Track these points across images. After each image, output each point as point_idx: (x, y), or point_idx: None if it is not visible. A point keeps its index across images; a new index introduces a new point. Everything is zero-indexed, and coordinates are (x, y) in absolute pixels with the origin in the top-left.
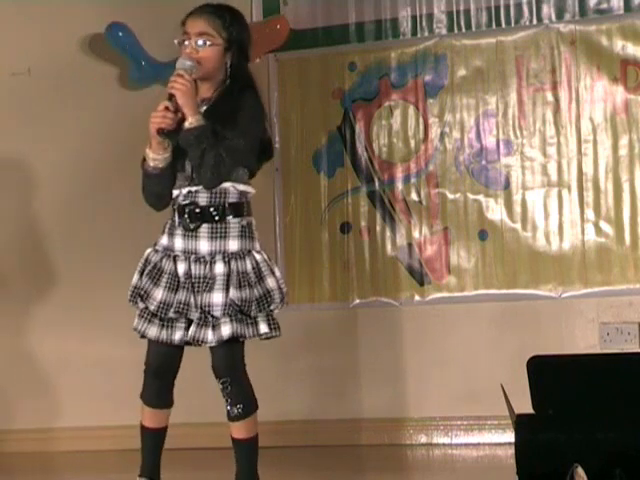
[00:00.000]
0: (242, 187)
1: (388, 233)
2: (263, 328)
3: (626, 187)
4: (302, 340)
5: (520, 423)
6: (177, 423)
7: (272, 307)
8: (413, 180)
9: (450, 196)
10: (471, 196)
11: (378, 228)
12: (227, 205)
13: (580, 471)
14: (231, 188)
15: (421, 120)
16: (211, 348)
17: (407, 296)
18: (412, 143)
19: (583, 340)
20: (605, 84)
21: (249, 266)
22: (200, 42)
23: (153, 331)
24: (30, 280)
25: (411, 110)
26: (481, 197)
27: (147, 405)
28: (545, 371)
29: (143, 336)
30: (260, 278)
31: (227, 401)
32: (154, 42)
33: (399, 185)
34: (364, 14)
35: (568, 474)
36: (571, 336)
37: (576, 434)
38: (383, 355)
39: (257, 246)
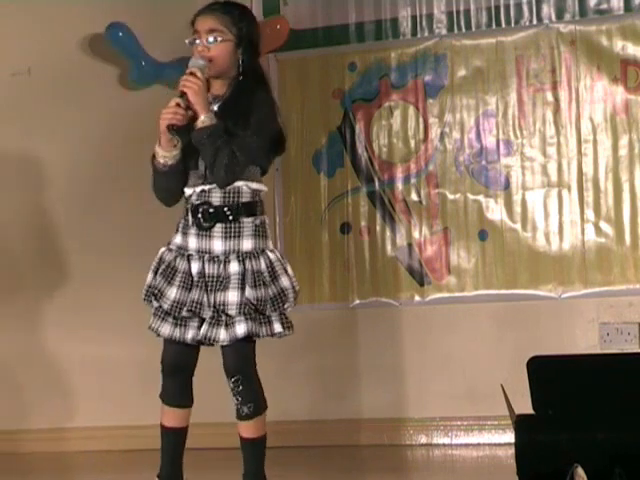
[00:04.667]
0: (255, 185)
1: (388, 233)
2: (277, 327)
3: (626, 187)
4: (302, 340)
5: (520, 423)
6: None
7: (286, 306)
8: (413, 180)
9: (450, 196)
10: (471, 196)
11: (378, 228)
12: (241, 205)
13: (580, 471)
14: (244, 187)
15: (421, 120)
16: (222, 347)
17: (407, 296)
18: (412, 143)
19: (583, 340)
20: (605, 84)
21: (263, 265)
22: (211, 39)
23: (166, 329)
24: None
25: (411, 110)
26: (481, 197)
27: (166, 404)
28: (545, 371)
29: (158, 334)
30: (274, 277)
31: (237, 400)
32: (154, 42)
33: (399, 185)
34: (364, 14)
35: (568, 474)
36: (571, 336)
37: (576, 434)
38: (383, 355)
39: (270, 245)
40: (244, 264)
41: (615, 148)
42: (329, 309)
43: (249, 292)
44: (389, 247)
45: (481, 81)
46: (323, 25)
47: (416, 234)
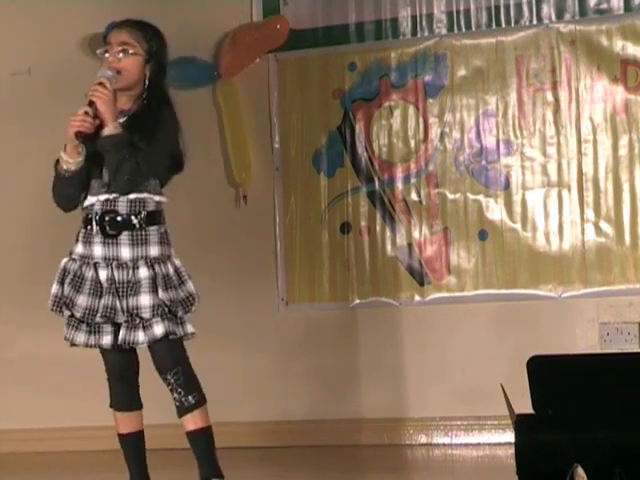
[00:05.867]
0: (158, 198)
1: (388, 233)
2: (189, 328)
3: (626, 187)
4: (302, 340)
5: (520, 423)
6: (169, 424)
7: (193, 309)
8: (413, 180)
9: (450, 196)
10: (471, 196)
11: (378, 228)
12: (147, 213)
13: (580, 471)
14: (148, 199)
15: (421, 120)
16: (151, 350)
17: (407, 296)
18: (412, 143)
19: (583, 340)
20: (605, 84)
21: (171, 270)
22: (121, 52)
23: (81, 337)
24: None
25: (411, 110)
26: (481, 197)
27: (118, 410)
28: (545, 371)
29: (72, 344)
30: (182, 282)
31: (180, 393)
32: None
33: (399, 185)
34: (364, 14)
35: (568, 474)
36: (571, 336)
37: (576, 434)
38: (383, 355)
39: (173, 252)
40: (153, 269)
41: (615, 148)
42: (329, 309)
43: (162, 294)
44: (389, 247)
45: (481, 81)
46: (323, 25)
47: (416, 234)
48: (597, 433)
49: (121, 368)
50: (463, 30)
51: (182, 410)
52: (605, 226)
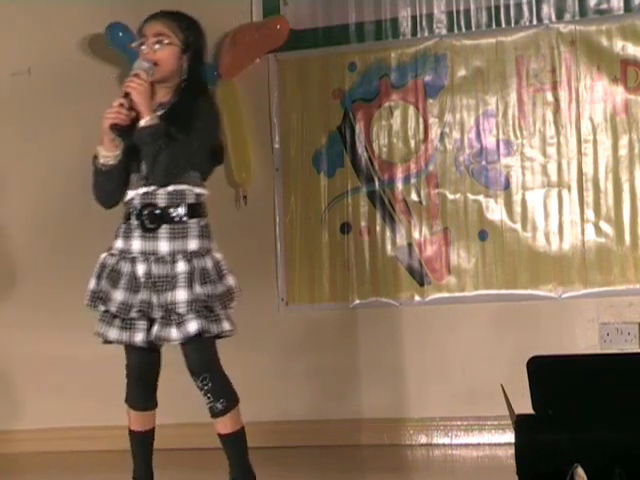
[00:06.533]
0: (198, 190)
1: (388, 233)
2: (226, 325)
3: (626, 187)
4: (302, 340)
5: (520, 423)
6: (173, 424)
7: (232, 305)
8: (413, 180)
9: (450, 196)
10: (471, 196)
11: (378, 228)
12: (186, 206)
13: (580, 471)
14: (188, 191)
15: (421, 120)
16: (183, 349)
17: (407, 296)
18: (412, 143)
19: (583, 340)
20: (605, 84)
21: (210, 264)
22: (157, 43)
23: (114, 334)
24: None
25: (411, 110)
26: (481, 197)
27: (132, 408)
28: (545, 371)
29: (105, 340)
30: (221, 276)
31: (209, 398)
32: None
33: (399, 185)
34: (364, 14)
35: (568, 474)
36: (571, 336)
37: (576, 434)
38: (383, 355)
39: (215, 246)
40: (191, 263)
41: (615, 148)
42: (329, 309)
43: (199, 289)
44: (389, 247)
45: (481, 81)
46: (323, 25)
47: (416, 234)
48: (597, 433)
49: (141, 368)
50: (463, 30)
51: (212, 414)
52: (605, 226)
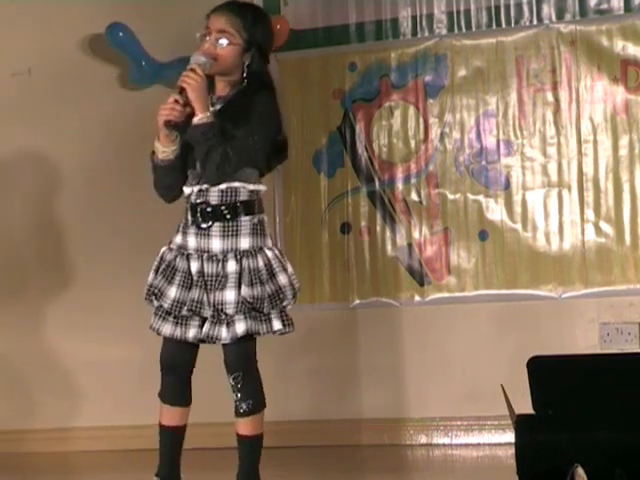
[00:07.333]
0: (252, 187)
1: (388, 233)
2: (277, 325)
3: (626, 187)
4: (302, 340)
5: (520, 423)
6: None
7: (284, 303)
8: (413, 180)
9: (450, 196)
10: (471, 196)
11: (378, 228)
12: (238, 203)
13: (580, 471)
14: (241, 188)
15: (421, 120)
16: (224, 345)
17: (407, 296)
18: (412, 143)
19: (583, 340)
20: (605, 84)
21: (261, 263)
22: (219, 40)
23: (167, 329)
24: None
25: (411, 110)
26: (481, 197)
27: (164, 402)
28: (545, 371)
29: (158, 333)
30: (272, 275)
31: (237, 396)
32: (154, 42)
33: (399, 185)
34: (364, 14)
35: (568, 474)
36: (571, 336)
37: (576, 434)
38: (383, 355)
39: (269, 242)
40: (241, 263)
41: (615, 148)
42: (329, 309)
43: (245, 291)
44: (389, 247)
45: (481, 81)
46: (323, 25)
47: (416, 234)
48: (597, 433)
49: (175, 362)
50: (463, 30)
51: (236, 412)
52: (605, 226)
